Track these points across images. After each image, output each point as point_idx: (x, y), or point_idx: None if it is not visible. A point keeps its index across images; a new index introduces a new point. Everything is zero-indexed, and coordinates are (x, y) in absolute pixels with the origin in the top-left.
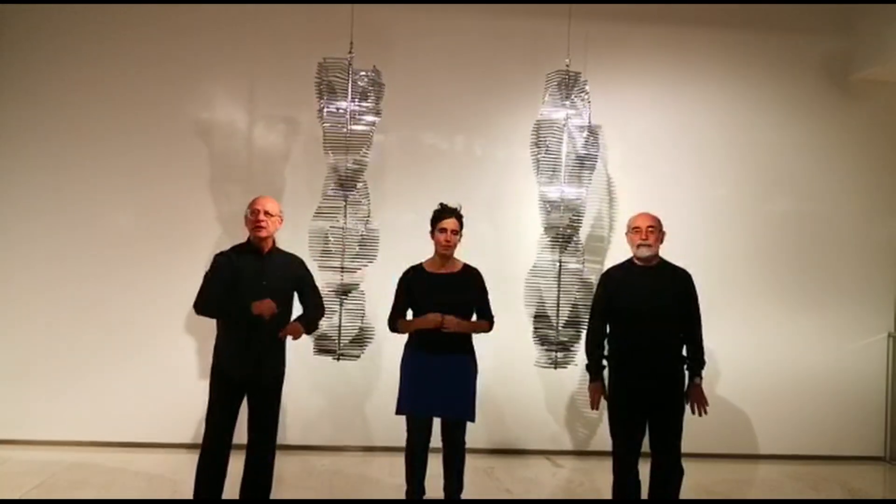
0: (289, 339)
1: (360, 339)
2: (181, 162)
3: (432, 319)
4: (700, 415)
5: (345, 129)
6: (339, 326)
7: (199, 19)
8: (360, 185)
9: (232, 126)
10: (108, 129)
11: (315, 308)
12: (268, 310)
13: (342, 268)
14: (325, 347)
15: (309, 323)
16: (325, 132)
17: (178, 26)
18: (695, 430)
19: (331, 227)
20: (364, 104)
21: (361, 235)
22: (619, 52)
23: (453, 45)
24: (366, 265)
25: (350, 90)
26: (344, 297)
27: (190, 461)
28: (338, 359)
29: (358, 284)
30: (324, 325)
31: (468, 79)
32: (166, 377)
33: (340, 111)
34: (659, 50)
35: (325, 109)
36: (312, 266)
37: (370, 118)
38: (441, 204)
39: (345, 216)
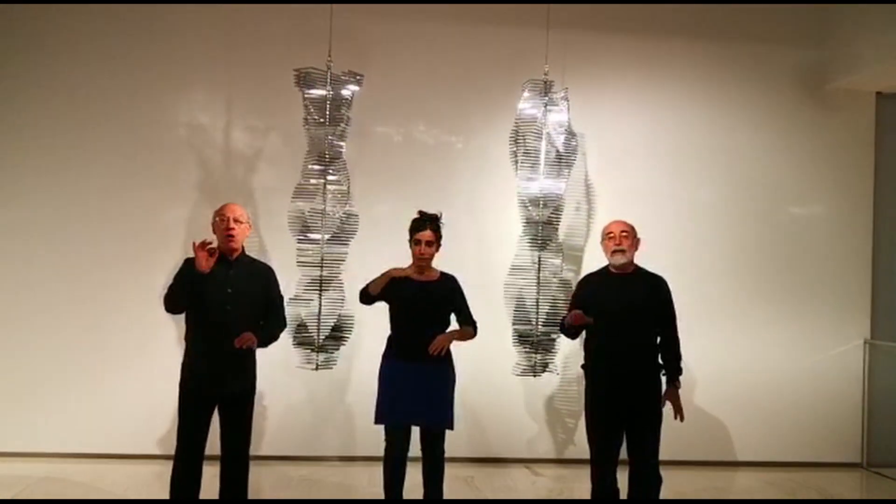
0: (254, 348)
1: (339, 330)
2: (158, 168)
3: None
4: (681, 419)
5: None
6: (319, 315)
7: (177, 26)
8: (339, 164)
9: (210, 131)
10: (86, 136)
11: (276, 322)
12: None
13: (321, 262)
14: (303, 340)
15: (267, 337)
16: (306, 103)
17: (156, 33)
18: (673, 438)
19: (310, 210)
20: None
21: (340, 218)
22: (596, 60)
23: (431, 50)
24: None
25: (329, 80)
26: (323, 286)
27: (165, 472)
28: (316, 367)
29: (338, 272)
30: (303, 314)
31: (447, 82)
32: (140, 388)
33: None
34: (637, 60)
35: (305, 91)
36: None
37: (352, 87)
38: (420, 212)
39: (324, 194)
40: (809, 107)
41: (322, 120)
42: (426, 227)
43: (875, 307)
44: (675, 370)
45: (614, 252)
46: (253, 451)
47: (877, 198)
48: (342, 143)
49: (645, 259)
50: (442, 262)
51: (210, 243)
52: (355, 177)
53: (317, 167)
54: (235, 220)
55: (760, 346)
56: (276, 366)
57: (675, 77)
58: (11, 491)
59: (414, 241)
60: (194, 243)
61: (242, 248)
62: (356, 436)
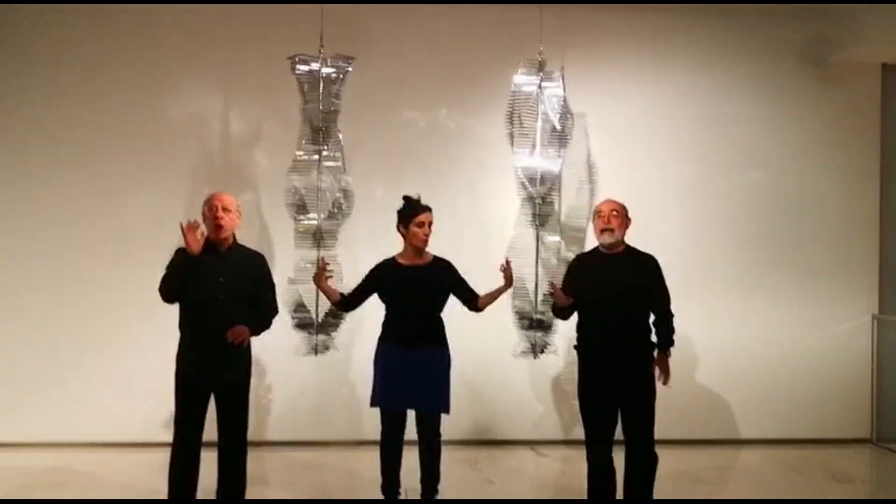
0: (247, 342)
1: (338, 311)
2: (154, 156)
3: None
4: (664, 383)
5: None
6: (317, 295)
7: (172, 14)
8: (333, 140)
9: (206, 123)
10: (82, 124)
11: (267, 308)
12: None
13: (319, 241)
14: (302, 322)
15: (258, 325)
16: (300, 85)
17: (151, 22)
18: (677, 416)
19: (305, 187)
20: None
21: (336, 196)
22: (597, 38)
23: (425, 31)
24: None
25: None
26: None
27: (167, 460)
28: (315, 352)
29: (335, 252)
30: (301, 293)
31: (442, 63)
32: (142, 376)
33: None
34: (637, 36)
35: (297, 62)
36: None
37: (345, 69)
38: (406, 198)
39: (319, 170)
40: (814, 80)
41: (317, 96)
42: (427, 209)
43: (883, 282)
44: (666, 342)
45: (603, 231)
46: (258, 437)
47: (883, 170)
48: (336, 121)
49: (647, 236)
50: (440, 243)
51: (197, 224)
52: (348, 160)
53: (311, 144)
54: (224, 209)
55: (767, 323)
56: (281, 350)
57: (677, 52)
58: (17, 482)
59: (416, 224)
60: (181, 224)
61: (234, 237)
62: (362, 419)
